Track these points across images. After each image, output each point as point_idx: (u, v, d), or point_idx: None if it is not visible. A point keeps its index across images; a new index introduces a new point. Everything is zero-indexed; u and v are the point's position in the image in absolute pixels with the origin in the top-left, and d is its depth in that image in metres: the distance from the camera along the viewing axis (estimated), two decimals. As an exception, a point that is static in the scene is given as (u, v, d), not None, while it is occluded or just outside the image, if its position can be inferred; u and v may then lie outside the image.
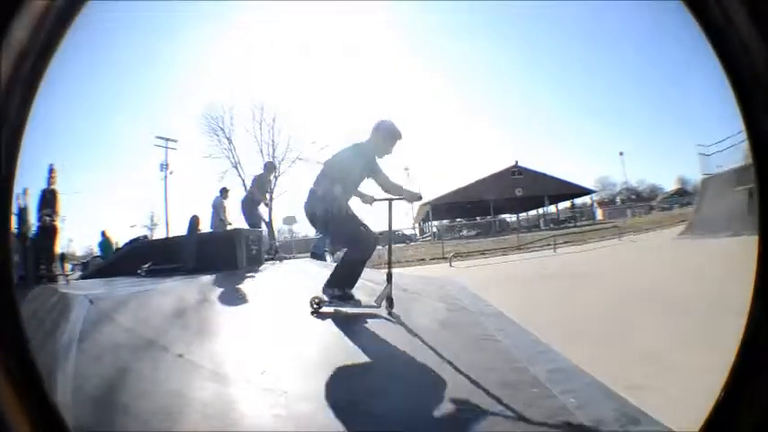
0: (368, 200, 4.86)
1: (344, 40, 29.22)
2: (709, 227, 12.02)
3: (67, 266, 12.65)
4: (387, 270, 4.92)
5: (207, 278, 6.64)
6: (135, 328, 4.10)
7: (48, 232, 7.93)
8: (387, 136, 4.75)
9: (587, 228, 19.73)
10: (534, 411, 3.06)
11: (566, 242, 14.89)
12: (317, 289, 4.77)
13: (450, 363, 3.95)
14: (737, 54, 1.34)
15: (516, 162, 28.85)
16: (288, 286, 6.77)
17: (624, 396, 3.04)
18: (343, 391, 3.08)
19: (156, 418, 2.46)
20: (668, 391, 3.18)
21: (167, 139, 16.13)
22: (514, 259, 13.11)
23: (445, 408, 3.12)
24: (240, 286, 6.43)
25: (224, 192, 9.69)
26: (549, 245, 14.59)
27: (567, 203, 31.71)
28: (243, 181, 16.45)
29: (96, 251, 13.11)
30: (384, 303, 4.74)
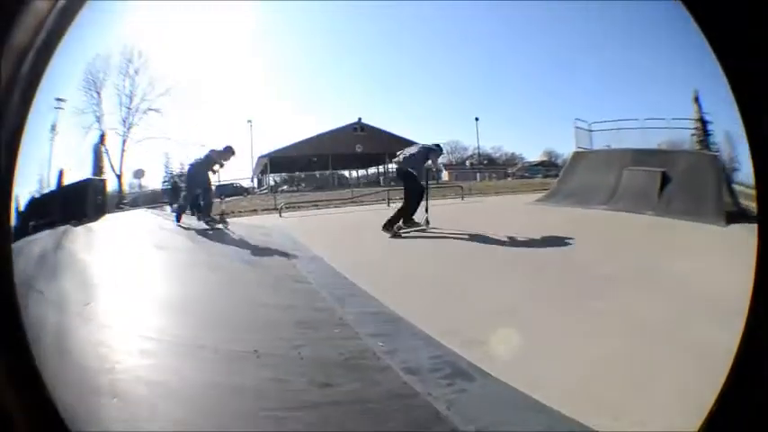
0: None
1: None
2: (573, 197, 12.40)
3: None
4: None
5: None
6: None
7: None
8: None
9: (431, 186, 20.60)
10: (331, 350, 2.93)
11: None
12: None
13: (251, 300, 3.73)
14: (736, 54, 1.37)
15: (359, 119, 28.98)
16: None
17: (445, 344, 3.06)
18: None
19: None
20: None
21: (59, 99, 13.83)
22: (345, 211, 13.35)
23: (241, 341, 2.90)
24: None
25: (102, 137, 9.29)
26: (383, 199, 14.97)
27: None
28: (102, 133, 14.80)
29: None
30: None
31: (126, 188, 11.08)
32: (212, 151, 9.25)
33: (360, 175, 30.95)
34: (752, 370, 1.34)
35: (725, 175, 9.95)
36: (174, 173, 16.10)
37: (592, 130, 13.70)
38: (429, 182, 10.32)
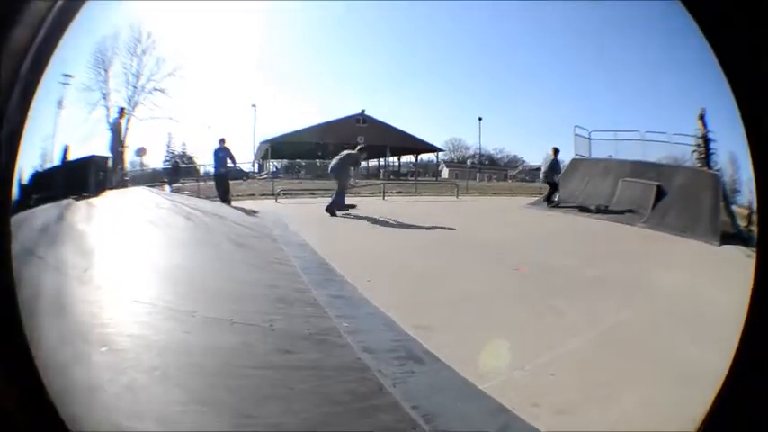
0: None
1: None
2: (568, 203, 12.50)
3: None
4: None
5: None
6: None
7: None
8: None
9: (427, 183, 20.91)
10: (302, 325, 3.28)
11: (398, 192, 15.77)
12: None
13: (237, 278, 4.06)
14: (736, 54, 1.38)
15: (363, 110, 29.11)
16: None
17: (407, 331, 3.39)
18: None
19: None
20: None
21: (67, 75, 13.92)
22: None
23: (221, 311, 3.21)
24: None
25: (121, 112, 9.02)
26: (379, 192, 15.27)
27: (411, 158, 32.63)
28: (107, 110, 14.97)
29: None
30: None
31: (128, 166, 11.33)
32: (357, 151, 11.80)
33: (361, 166, 31.17)
34: (749, 372, 1.36)
35: (725, 195, 9.92)
36: (176, 153, 16.33)
37: (591, 139, 13.77)
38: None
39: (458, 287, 4.82)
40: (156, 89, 16.59)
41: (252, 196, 13.93)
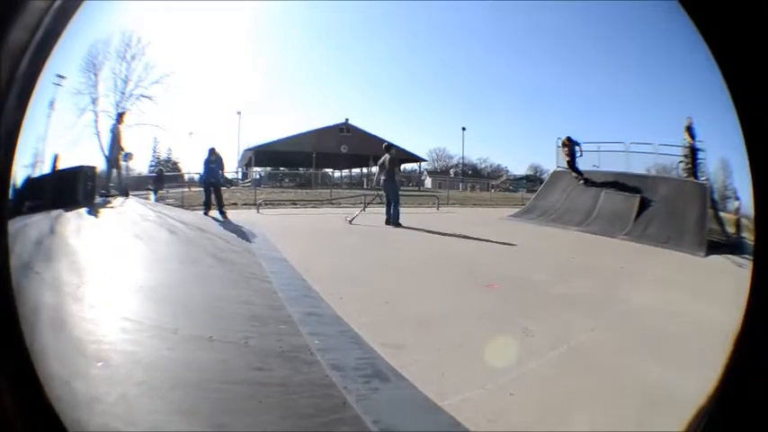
0: None
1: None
2: (548, 215, 12.71)
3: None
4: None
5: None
6: None
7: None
8: None
9: (408, 193, 21.05)
10: (273, 342, 3.56)
11: (380, 203, 16.04)
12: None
13: (216, 295, 4.32)
14: (734, 54, 1.38)
15: (347, 119, 29.36)
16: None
17: (378, 351, 3.63)
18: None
19: None
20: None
21: (60, 76, 13.88)
22: (321, 212, 13.85)
23: (200, 328, 3.46)
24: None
25: (120, 116, 9.03)
26: (360, 202, 15.49)
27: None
28: (95, 115, 14.96)
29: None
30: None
31: (114, 171, 11.46)
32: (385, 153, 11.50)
33: (343, 175, 31.38)
34: (744, 371, 1.37)
35: (714, 204, 10.12)
36: (161, 158, 16.43)
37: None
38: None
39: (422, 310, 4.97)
40: (143, 95, 16.68)
41: (234, 205, 14.05)
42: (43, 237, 4.78)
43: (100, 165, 9.12)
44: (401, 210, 11.90)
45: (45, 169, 6.22)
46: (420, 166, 34.01)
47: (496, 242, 9.55)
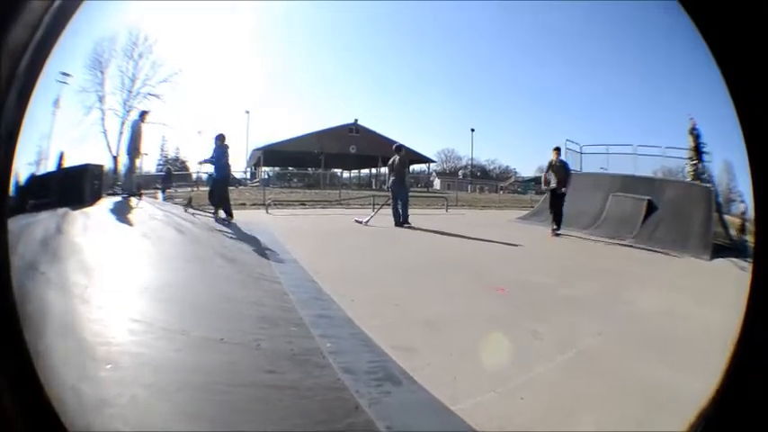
0: None
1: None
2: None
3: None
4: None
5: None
6: None
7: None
8: None
9: (417, 194, 20.98)
10: (284, 345, 3.50)
11: (388, 204, 15.98)
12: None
13: (228, 296, 4.27)
14: (734, 54, 1.39)
15: (356, 120, 29.32)
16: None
17: (390, 354, 3.58)
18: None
19: None
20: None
21: (65, 74, 14.01)
22: (329, 213, 13.81)
23: (212, 330, 3.41)
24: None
25: (143, 115, 8.94)
26: (369, 203, 15.44)
27: (404, 168, 32.35)
28: (102, 113, 15.02)
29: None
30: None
31: (121, 168, 11.43)
32: (395, 154, 11.34)
33: (352, 175, 31.36)
34: (745, 372, 1.38)
35: (718, 207, 10.07)
36: (169, 157, 16.45)
37: (582, 153, 14.13)
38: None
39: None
40: (150, 94, 16.73)
41: (243, 205, 14.03)
42: (48, 235, 4.77)
43: (107, 163, 9.14)
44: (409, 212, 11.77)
45: (50, 167, 6.18)
46: (429, 168, 34.07)
47: (505, 244, 9.54)
